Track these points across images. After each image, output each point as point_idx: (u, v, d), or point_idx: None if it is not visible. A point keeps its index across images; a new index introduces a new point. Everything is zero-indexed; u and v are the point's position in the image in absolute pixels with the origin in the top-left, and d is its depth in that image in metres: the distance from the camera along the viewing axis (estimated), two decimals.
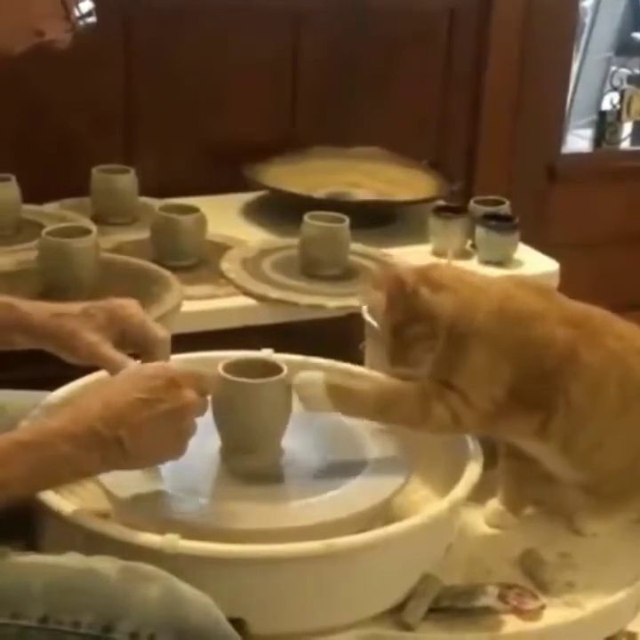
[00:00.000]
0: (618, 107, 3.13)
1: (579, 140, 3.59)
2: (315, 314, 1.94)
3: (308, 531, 1.12)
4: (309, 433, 1.30)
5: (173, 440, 1.11)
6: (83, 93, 2.36)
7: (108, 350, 1.22)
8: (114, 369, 1.20)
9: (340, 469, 1.24)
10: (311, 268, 2.06)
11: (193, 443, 1.13)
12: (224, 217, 2.28)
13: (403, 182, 2.48)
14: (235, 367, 1.23)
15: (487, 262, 2.18)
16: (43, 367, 1.33)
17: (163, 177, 2.39)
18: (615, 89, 3.21)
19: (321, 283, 2.03)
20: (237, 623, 1.04)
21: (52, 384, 1.34)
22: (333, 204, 2.19)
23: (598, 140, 3.16)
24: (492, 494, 1.31)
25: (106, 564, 1.02)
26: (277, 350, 1.37)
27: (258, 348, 1.38)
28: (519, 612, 1.16)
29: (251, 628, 1.07)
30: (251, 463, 1.23)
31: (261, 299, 1.95)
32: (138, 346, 1.24)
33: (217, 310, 1.94)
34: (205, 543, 1.06)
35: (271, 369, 1.24)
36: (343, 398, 1.22)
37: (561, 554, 1.27)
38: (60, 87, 2.30)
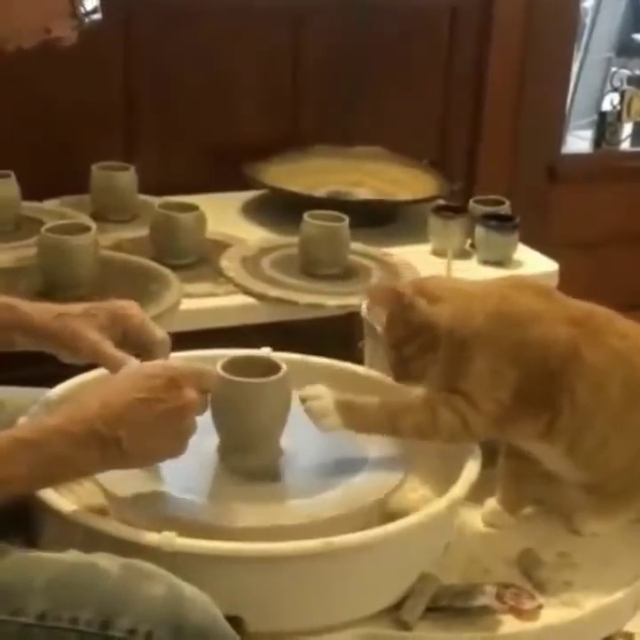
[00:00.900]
0: (618, 107, 3.13)
1: (579, 141, 3.59)
2: (314, 313, 1.94)
3: (306, 529, 1.12)
4: (307, 431, 1.30)
5: (173, 440, 1.11)
6: (83, 90, 2.36)
7: (111, 349, 1.22)
8: (116, 367, 1.19)
9: (339, 468, 1.24)
10: (311, 266, 2.06)
11: (191, 441, 1.12)
12: (224, 215, 2.28)
13: (403, 182, 2.48)
14: (233, 366, 1.23)
15: (486, 262, 2.18)
16: (41, 365, 1.33)
17: (163, 175, 2.39)
18: (615, 90, 3.22)
19: (320, 282, 2.03)
20: (235, 621, 1.04)
21: (50, 381, 1.34)
22: (333, 203, 2.19)
23: (598, 141, 3.16)
24: (490, 494, 1.31)
25: (107, 561, 1.02)
26: (276, 349, 1.37)
27: (257, 346, 1.38)
28: (517, 611, 1.16)
29: (248, 626, 1.07)
30: (249, 462, 1.23)
31: (261, 297, 1.95)
32: (138, 347, 1.24)
33: (216, 308, 1.94)
34: (202, 541, 1.06)
35: (270, 368, 1.24)
36: (352, 414, 1.22)
37: (559, 553, 1.27)
38: (60, 84, 2.30)
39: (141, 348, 1.24)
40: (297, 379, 1.27)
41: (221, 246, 2.13)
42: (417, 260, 2.13)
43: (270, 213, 2.36)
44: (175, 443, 1.11)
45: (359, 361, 1.47)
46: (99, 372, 1.30)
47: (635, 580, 1.24)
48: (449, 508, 1.17)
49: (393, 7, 2.59)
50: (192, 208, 2.06)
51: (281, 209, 2.33)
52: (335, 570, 1.10)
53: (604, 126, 3.13)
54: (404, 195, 2.42)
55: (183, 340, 1.36)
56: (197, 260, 2.07)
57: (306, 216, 2.05)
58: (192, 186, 2.34)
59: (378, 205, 2.42)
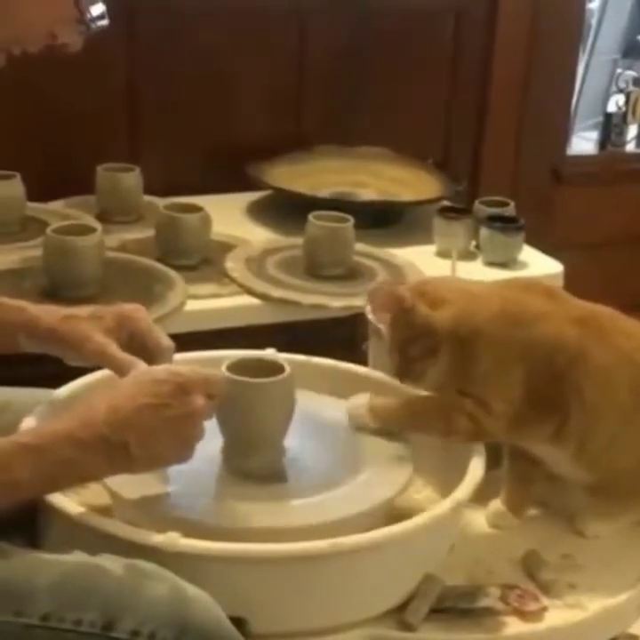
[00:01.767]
0: (623, 109, 3.13)
1: (584, 142, 3.59)
2: (318, 313, 1.94)
3: (310, 530, 1.12)
4: (312, 432, 1.30)
5: (180, 446, 1.11)
6: (87, 92, 2.36)
7: (117, 351, 1.22)
8: (122, 370, 1.19)
9: (343, 469, 1.24)
10: (315, 267, 2.06)
11: None
12: (228, 216, 2.28)
13: (408, 182, 2.48)
14: (238, 366, 1.23)
15: (491, 263, 2.18)
16: (46, 366, 1.33)
17: (168, 176, 2.39)
18: (621, 91, 3.22)
19: (325, 282, 2.02)
20: (239, 622, 1.04)
21: (54, 382, 1.34)
22: (338, 204, 2.19)
23: (604, 142, 3.17)
24: (494, 495, 1.31)
25: (110, 563, 1.02)
26: (281, 350, 1.37)
27: (261, 347, 1.38)
28: (521, 613, 1.16)
29: (252, 627, 1.07)
30: (253, 462, 1.23)
31: (265, 298, 1.95)
32: (142, 351, 1.24)
33: (220, 309, 1.94)
34: (207, 541, 1.06)
35: (274, 368, 1.24)
36: (381, 415, 1.28)
37: (563, 555, 1.27)
38: (64, 86, 2.30)
39: (146, 353, 1.24)
40: (301, 380, 1.27)
41: (226, 247, 2.13)
42: (421, 261, 2.13)
43: (275, 214, 2.36)
44: (182, 448, 1.11)
45: (363, 362, 1.47)
46: (104, 373, 1.30)
47: (639, 583, 1.24)
48: (453, 510, 1.17)
49: (396, 7, 2.59)
50: (197, 209, 2.06)
51: (285, 210, 2.33)
52: (340, 571, 1.10)
53: (610, 128, 3.13)
54: (408, 196, 2.42)
55: (187, 341, 1.36)
56: (202, 260, 2.07)
57: (310, 217, 2.05)
58: (197, 187, 2.34)
59: (382, 206, 2.42)
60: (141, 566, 1.02)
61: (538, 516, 1.33)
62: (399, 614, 1.14)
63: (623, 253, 2.97)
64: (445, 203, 2.35)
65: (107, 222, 2.16)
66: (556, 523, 1.32)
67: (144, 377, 1.12)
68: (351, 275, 2.07)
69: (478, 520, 1.31)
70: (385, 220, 2.35)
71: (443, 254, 2.17)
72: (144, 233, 2.16)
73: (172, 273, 1.98)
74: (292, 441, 1.26)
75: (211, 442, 1.22)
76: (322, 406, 1.36)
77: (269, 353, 1.35)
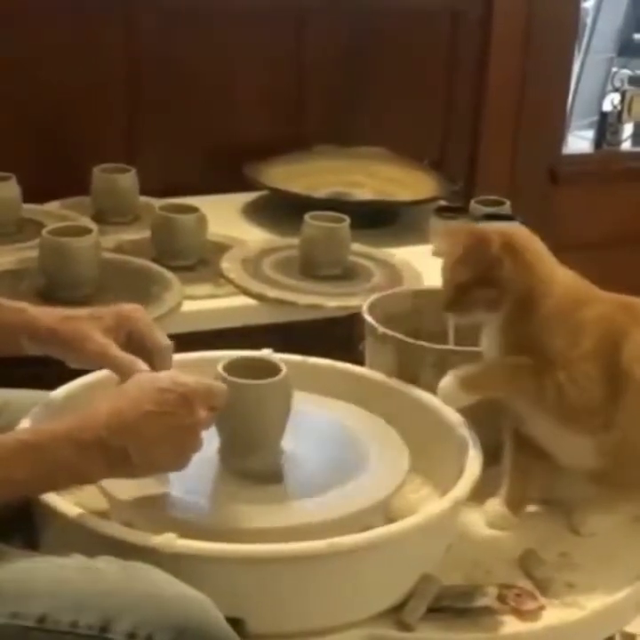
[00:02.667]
0: (619, 108, 3.13)
1: (580, 141, 3.59)
2: (314, 314, 1.94)
3: (308, 530, 1.12)
4: (308, 433, 1.30)
5: (178, 455, 1.11)
6: (84, 92, 2.36)
7: (118, 351, 1.22)
8: (122, 369, 1.19)
9: (340, 469, 1.24)
10: (311, 268, 2.06)
11: None
12: (224, 217, 2.28)
13: (404, 182, 2.48)
14: (234, 367, 1.23)
15: None
16: (44, 367, 1.33)
17: (164, 176, 2.39)
18: (616, 90, 3.22)
19: (321, 283, 2.02)
20: (236, 623, 1.04)
21: (53, 383, 1.34)
22: (334, 204, 2.19)
23: (599, 141, 3.17)
24: (492, 494, 1.31)
25: (107, 564, 1.02)
26: (277, 350, 1.37)
27: (258, 348, 1.38)
28: (518, 612, 1.16)
29: (250, 628, 1.07)
30: (250, 463, 1.23)
31: (261, 298, 1.95)
32: (141, 351, 1.24)
33: (217, 310, 1.94)
34: (204, 542, 1.06)
35: (271, 369, 1.24)
36: (474, 384, 1.25)
37: (561, 554, 1.27)
38: (61, 86, 2.30)
39: (145, 352, 1.23)
40: (297, 380, 1.27)
41: (222, 248, 2.13)
42: (418, 260, 2.13)
43: (271, 214, 2.36)
44: (180, 457, 1.11)
45: (360, 362, 1.47)
46: (102, 373, 1.30)
47: (636, 580, 1.24)
48: (451, 509, 1.17)
49: (394, 8, 2.60)
50: (193, 210, 2.06)
51: (281, 210, 2.33)
52: (337, 571, 1.10)
53: (605, 126, 3.13)
54: (404, 195, 2.42)
55: (184, 342, 1.36)
56: (198, 261, 2.07)
57: (306, 217, 2.05)
58: (193, 187, 2.34)
59: (378, 206, 2.42)
60: (138, 567, 1.02)
61: (535, 515, 1.33)
62: (397, 614, 1.13)
63: (619, 252, 2.97)
64: (442, 202, 2.35)
65: (103, 223, 2.17)
66: (553, 522, 1.32)
67: (148, 384, 1.11)
68: (347, 275, 2.07)
69: (476, 519, 1.31)
70: (381, 219, 2.35)
71: (439, 254, 2.16)
72: (140, 234, 2.16)
73: (169, 274, 1.98)
74: (289, 442, 1.26)
75: (207, 443, 1.22)
76: (318, 407, 1.36)
77: (266, 353, 1.35)
